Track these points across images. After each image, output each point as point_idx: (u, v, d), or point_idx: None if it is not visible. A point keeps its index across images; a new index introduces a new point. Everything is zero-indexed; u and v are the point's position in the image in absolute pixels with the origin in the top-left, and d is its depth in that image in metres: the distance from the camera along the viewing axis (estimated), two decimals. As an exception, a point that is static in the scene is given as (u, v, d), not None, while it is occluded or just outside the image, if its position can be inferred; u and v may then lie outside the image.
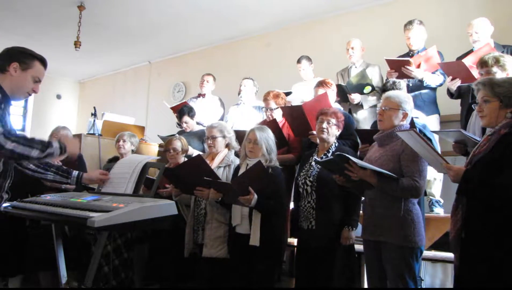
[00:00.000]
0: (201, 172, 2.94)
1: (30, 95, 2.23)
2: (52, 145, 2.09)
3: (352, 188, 2.59)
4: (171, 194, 3.36)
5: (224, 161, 3.25)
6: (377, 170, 2.34)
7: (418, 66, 3.70)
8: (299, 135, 3.47)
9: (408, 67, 3.66)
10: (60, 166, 2.58)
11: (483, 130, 2.73)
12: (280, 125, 3.66)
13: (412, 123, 2.79)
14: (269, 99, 3.74)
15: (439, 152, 2.47)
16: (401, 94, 2.64)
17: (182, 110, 4.47)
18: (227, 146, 3.33)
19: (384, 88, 3.27)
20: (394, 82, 3.27)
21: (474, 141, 2.41)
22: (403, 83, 3.33)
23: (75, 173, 2.57)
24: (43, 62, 2.22)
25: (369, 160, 2.57)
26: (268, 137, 3.00)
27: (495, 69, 2.68)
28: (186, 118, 4.43)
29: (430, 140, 2.93)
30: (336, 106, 3.62)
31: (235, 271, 2.96)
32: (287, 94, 4.35)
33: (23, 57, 2.16)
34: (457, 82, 3.41)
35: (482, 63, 2.75)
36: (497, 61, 2.69)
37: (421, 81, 3.75)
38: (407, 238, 2.35)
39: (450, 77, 3.46)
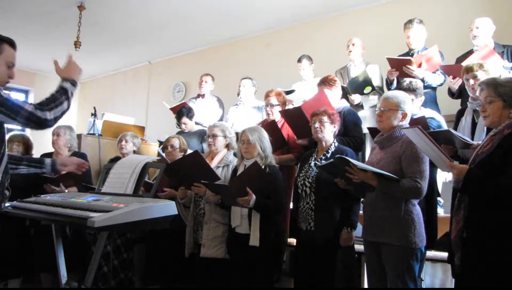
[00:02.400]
0: (198, 167, 2.95)
1: (7, 82, 2.12)
2: (67, 89, 2.11)
3: (353, 191, 2.58)
4: (170, 196, 3.35)
5: (223, 161, 3.26)
6: (378, 172, 2.34)
7: (419, 66, 3.69)
8: (302, 136, 3.40)
9: (409, 66, 3.65)
10: (30, 157, 2.53)
11: (472, 134, 2.76)
12: (280, 124, 3.66)
13: (426, 124, 2.78)
14: (271, 96, 3.74)
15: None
16: (400, 94, 2.63)
17: (180, 112, 4.48)
18: (227, 146, 3.33)
19: (400, 87, 3.24)
20: (411, 82, 3.20)
21: (462, 142, 2.42)
22: (420, 82, 3.27)
23: (48, 160, 2.49)
24: (12, 44, 2.09)
25: (370, 163, 2.57)
26: (261, 136, 3.01)
27: (480, 73, 2.72)
28: (184, 119, 4.44)
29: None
30: (342, 103, 3.61)
31: (233, 271, 2.96)
32: (290, 92, 4.34)
33: None
34: (459, 82, 3.40)
35: (468, 69, 2.80)
36: (481, 66, 2.76)
37: (422, 80, 3.74)
38: (407, 238, 2.34)
39: (451, 76, 3.45)
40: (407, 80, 3.30)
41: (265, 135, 3.06)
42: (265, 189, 2.82)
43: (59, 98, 2.02)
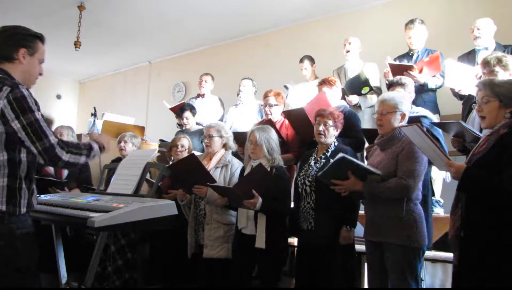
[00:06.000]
0: (195, 170, 2.96)
1: (37, 79, 2.07)
2: (93, 147, 2.00)
3: (352, 196, 2.57)
4: (175, 198, 3.34)
5: (221, 161, 3.25)
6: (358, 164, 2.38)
7: (421, 71, 3.68)
8: (307, 138, 3.36)
9: (410, 72, 3.63)
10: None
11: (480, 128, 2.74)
12: (279, 124, 3.65)
13: (420, 123, 2.77)
14: (270, 96, 3.73)
15: (447, 152, 2.47)
16: (396, 95, 2.63)
17: (183, 107, 4.52)
18: (224, 146, 3.33)
19: (391, 83, 3.23)
20: (400, 78, 3.22)
21: (473, 135, 2.42)
22: (408, 78, 3.27)
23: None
24: (42, 40, 2.02)
25: (372, 164, 2.57)
26: (269, 137, 2.97)
27: (497, 68, 2.72)
28: (187, 113, 4.46)
29: (438, 140, 2.92)
30: (341, 103, 3.61)
31: (237, 272, 2.95)
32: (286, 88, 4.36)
33: (28, 40, 1.94)
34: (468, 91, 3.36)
35: (485, 63, 2.78)
36: (499, 61, 2.74)
37: (422, 85, 3.73)
38: (409, 238, 2.35)
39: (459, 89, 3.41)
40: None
41: (274, 136, 3.01)
42: (272, 191, 2.80)
43: (82, 150, 1.93)
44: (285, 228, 2.96)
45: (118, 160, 4.01)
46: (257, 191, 2.74)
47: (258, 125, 3.22)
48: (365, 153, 3.22)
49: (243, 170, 3.13)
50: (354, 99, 4.05)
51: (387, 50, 4.25)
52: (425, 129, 2.20)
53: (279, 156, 3.01)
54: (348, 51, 4.36)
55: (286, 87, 4.61)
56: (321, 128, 2.83)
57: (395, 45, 4.39)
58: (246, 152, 3.07)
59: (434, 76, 3.78)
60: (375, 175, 2.39)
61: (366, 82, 3.94)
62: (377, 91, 4.12)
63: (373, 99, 4.09)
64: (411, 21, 3.96)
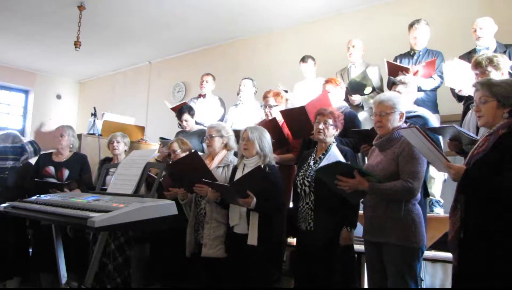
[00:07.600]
0: (197, 168, 2.96)
1: None
2: (26, 150, 2.04)
3: (347, 197, 2.55)
4: (175, 196, 3.35)
5: (223, 161, 3.27)
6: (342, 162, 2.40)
7: (415, 74, 3.68)
8: (300, 136, 3.40)
9: (406, 73, 3.63)
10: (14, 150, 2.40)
11: (478, 128, 2.74)
12: (281, 123, 3.66)
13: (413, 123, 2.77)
14: (269, 97, 3.75)
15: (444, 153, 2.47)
16: (392, 95, 2.63)
17: (182, 109, 4.52)
18: (226, 146, 3.34)
19: (394, 82, 3.23)
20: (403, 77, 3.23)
21: (469, 138, 2.42)
22: (409, 78, 3.27)
23: (30, 148, 2.39)
24: None
25: (370, 165, 2.57)
26: (261, 135, 3.02)
27: (489, 68, 2.72)
28: (186, 116, 4.46)
29: (435, 141, 2.91)
30: (344, 104, 3.61)
31: (233, 271, 2.96)
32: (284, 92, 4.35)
33: None
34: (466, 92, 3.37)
35: (476, 64, 2.78)
36: (490, 61, 2.74)
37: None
38: (408, 238, 2.35)
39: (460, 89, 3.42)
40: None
41: (267, 135, 3.06)
42: (265, 190, 2.82)
43: (8, 156, 1.99)
44: (279, 227, 2.97)
45: (107, 160, 4.02)
46: (252, 191, 2.77)
47: (260, 124, 3.24)
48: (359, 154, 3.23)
49: (234, 169, 3.15)
50: (357, 98, 4.05)
51: (388, 50, 4.26)
52: (423, 131, 2.19)
53: (271, 155, 3.05)
54: (351, 54, 4.36)
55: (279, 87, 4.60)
56: (321, 126, 2.85)
57: (395, 45, 4.38)
58: (239, 151, 3.10)
59: (431, 77, 3.78)
60: (371, 177, 2.38)
61: (368, 82, 3.94)
62: (379, 92, 4.12)
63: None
64: (417, 21, 3.93)
